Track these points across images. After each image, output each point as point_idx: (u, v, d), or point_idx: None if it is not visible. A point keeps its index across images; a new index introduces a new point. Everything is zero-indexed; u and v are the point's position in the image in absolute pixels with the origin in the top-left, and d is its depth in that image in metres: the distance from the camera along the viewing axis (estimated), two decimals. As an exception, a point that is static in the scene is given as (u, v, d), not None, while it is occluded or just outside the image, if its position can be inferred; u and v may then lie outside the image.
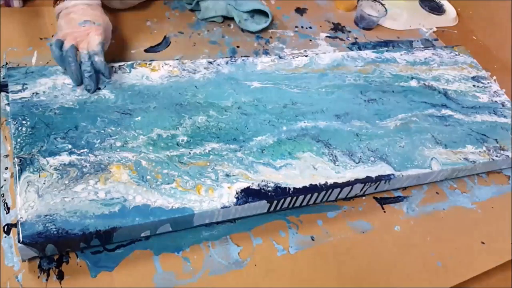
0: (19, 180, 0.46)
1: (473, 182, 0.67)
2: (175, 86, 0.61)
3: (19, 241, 0.42)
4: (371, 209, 0.59)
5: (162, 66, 0.63)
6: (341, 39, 0.86)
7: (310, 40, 0.83)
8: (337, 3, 0.94)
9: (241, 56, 0.70)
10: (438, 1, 1.03)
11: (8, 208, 0.48)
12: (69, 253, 0.46)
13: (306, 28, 0.86)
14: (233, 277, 0.49)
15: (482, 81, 0.80)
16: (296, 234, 0.54)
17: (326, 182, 0.55)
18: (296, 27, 0.85)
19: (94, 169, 0.49)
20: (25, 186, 0.46)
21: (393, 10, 0.94)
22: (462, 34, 0.98)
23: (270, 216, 0.55)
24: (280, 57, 0.71)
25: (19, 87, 0.55)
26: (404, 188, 0.63)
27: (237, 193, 0.51)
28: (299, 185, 0.53)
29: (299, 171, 0.55)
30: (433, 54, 0.82)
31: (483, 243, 0.59)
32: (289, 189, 0.53)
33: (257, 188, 0.52)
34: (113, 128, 0.54)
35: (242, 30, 0.80)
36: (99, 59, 0.56)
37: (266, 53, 0.77)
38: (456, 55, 0.84)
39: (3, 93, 0.58)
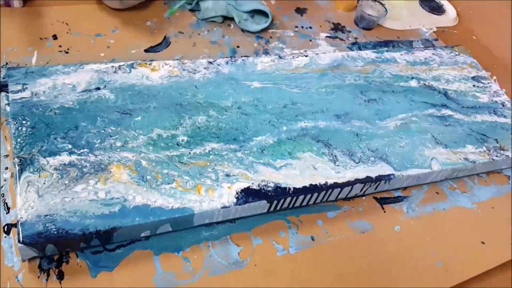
0: (19, 180, 0.46)
1: (473, 182, 0.67)
2: (175, 86, 0.61)
3: (19, 241, 0.42)
4: (371, 209, 0.59)
5: (162, 66, 0.63)
6: (341, 39, 0.86)
7: (310, 40, 0.83)
8: (337, 3, 0.94)
9: (241, 56, 0.70)
10: (438, 1, 1.03)
11: (8, 208, 0.48)
12: (69, 253, 0.46)
13: (306, 28, 0.86)
14: (233, 277, 0.49)
15: (482, 81, 0.80)
16: (296, 234, 0.54)
17: (326, 182, 0.55)
18: (296, 27, 0.85)
19: (94, 169, 0.49)
20: (25, 186, 0.46)
21: (393, 10, 0.94)
22: (462, 34, 0.98)
23: (270, 216, 0.55)
24: (280, 57, 0.71)
25: (19, 87, 0.55)
26: (404, 188, 0.63)
27: (237, 193, 0.51)
28: (299, 185, 0.53)
29: (299, 171, 0.55)
30: (433, 54, 0.82)
31: (483, 243, 0.59)
32: (289, 189, 0.53)
33: (257, 188, 0.52)
34: (113, 128, 0.54)
35: (242, 30, 0.80)
36: None
37: (266, 53, 0.77)
38: (456, 55, 0.84)
39: (3, 93, 0.58)
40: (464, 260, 0.57)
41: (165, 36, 0.74)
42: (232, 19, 0.80)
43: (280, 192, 0.52)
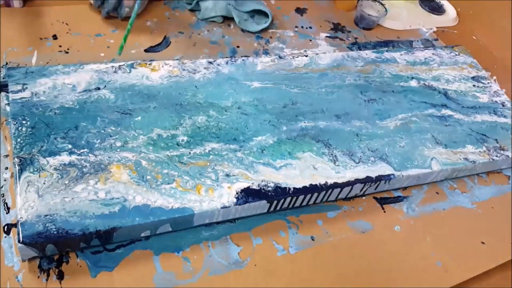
0: (19, 180, 0.46)
1: (473, 182, 0.67)
2: (175, 86, 0.61)
3: (19, 241, 0.42)
4: (371, 209, 0.59)
5: (162, 66, 0.63)
6: (341, 39, 0.86)
7: (310, 40, 0.83)
8: (337, 3, 0.94)
9: (241, 56, 0.70)
10: (438, 1, 1.03)
11: (8, 208, 0.48)
12: (69, 253, 0.46)
13: (306, 28, 0.86)
14: (233, 277, 0.49)
15: (482, 81, 0.80)
16: (296, 234, 0.54)
17: (326, 182, 0.55)
18: (296, 27, 0.85)
19: (94, 169, 0.49)
20: (25, 186, 0.46)
21: (393, 10, 0.94)
22: (462, 34, 0.98)
23: (270, 216, 0.55)
24: (280, 57, 0.71)
25: (19, 87, 0.55)
26: (404, 188, 0.63)
27: (237, 193, 0.51)
28: (299, 185, 0.53)
29: (299, 171, 0.55)
30: (433, 54, 0.82)
31: (483, 243, 0.59)
32: (289, 189, 0.53)
33: (257, 188, 0.52)
34: (113, 128, 0.54)
35: (242, 30, 0.80)
36: None
37: (266, 53, 0.77)
38: (456, 55, 0.84)
39: (3, 93, 0.58)
40: (464, 260, 0.57)
41: (165, 36, 0.74)
42: (232, 19, 0.80)
43: (280, 192, 0.52)
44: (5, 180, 0.51)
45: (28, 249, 0.43)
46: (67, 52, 0.66)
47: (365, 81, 0.72)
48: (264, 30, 0.81)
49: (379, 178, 0.57)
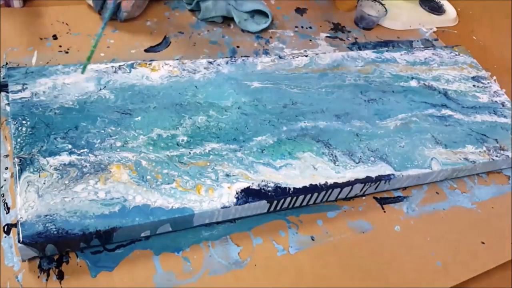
0: (19, 180, 0.46)
1: (473, 182, 0.67)
2: (175, 86, 0.61)
3: (19, 241, 0.42)
4: (371, 209, 0.59)
5: (162, 66, 0.63)
6: (341, 39, 0.86)
7: (310, 40, 0.83)
8: (337, 3, 0.94)
9: (241, 56, 0.70)
10: (438, 1, 1.03)
11: (8, 208, 0.48)
12: (69, 253, 0.46)
13: (306, 28, 0.86)
14: (233, 277, 0.49)
15: (482, 81, 0.80)
16: (296, 234, 0.54)
17: (326, 182, 0.55)
18: (296, 27, 0.85)
19: (94, 169, 0.49)
20: (25, 186, 0.46)
21: (393, 10, 0.94)
22: (462, 34, 0.98)
23: (270, 216, 0.55)
24: (280, 57, 0.71)
25: (19, 87, 0.55)
26: (404, 188, 0.63)
27: (237, 193, 0.51)
28: (299, 185, 0.53)
29: (299, 171, 0.55)
30: (433, 54, 0.82)
31: (483, 243, 0.59)
32: (289, 189, 0.53)
33: (257, 188, 0.52)
34: (113, 128, 0.54)
35: (242, 30, 0.80)
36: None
37: (266, 53, 0.77)
38: (456, 55, 0.84)
39: (3, 93, 0.58)
40: (464, 260, 0.57)
41: (165, 36, 0.74)
42: (232, 19, 0.80)
43: (280, 192, 0.52)
44: (5, 180, 0.51)
45: (28, 249, 0.43)
46: (67, 52, 0.66)
47: (365, 81, 0.72)
48: (264, 30, 0.81)
49: (379, 178, 0.57)
